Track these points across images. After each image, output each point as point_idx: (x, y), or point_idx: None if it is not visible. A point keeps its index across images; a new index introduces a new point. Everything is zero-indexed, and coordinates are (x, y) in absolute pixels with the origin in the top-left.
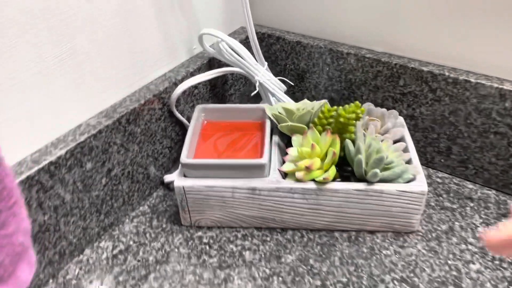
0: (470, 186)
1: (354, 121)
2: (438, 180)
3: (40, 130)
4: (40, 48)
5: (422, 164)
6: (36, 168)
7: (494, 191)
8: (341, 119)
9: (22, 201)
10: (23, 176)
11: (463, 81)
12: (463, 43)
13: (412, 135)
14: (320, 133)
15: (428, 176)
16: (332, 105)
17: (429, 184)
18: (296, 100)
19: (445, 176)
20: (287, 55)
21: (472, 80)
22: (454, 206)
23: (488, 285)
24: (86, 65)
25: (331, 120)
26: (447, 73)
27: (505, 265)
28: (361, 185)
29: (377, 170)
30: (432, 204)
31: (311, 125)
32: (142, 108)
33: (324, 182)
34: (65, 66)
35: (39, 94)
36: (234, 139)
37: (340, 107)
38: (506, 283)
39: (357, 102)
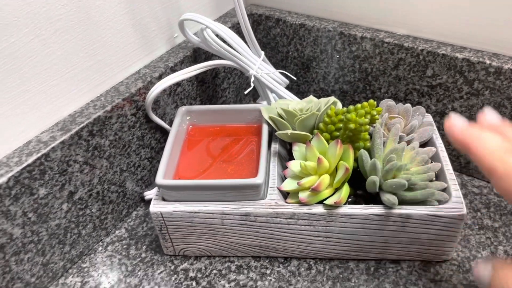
0: None
1: (368, 126)
2: (475, 190)
3: None
4: None
5: (455, 169)
6: None
7: None
8: (351, 125)
9: None
10: None
11: (508, 71)
12: (508, 23)
13: (442, 136)
14: (327, 142)
15: (463, 185)
16: (344, 99)
17: (465, 196)
18: (301, 94)
19: (483, 184)
20: (289, 40)
21: None
22: (496, 225)
23: None
24: (32, 67)
25: (339, 125)
26: (487, 61)
27: None
28: (381, 209)
29: (394, 198)
30: (469, 222)
31: (316, 131)
32: (109, 115)
33: (334, 206)
34: (2, 72)
35: None
36: (226, 147)
37: (351, 108)
38: None
39: (371, 101)
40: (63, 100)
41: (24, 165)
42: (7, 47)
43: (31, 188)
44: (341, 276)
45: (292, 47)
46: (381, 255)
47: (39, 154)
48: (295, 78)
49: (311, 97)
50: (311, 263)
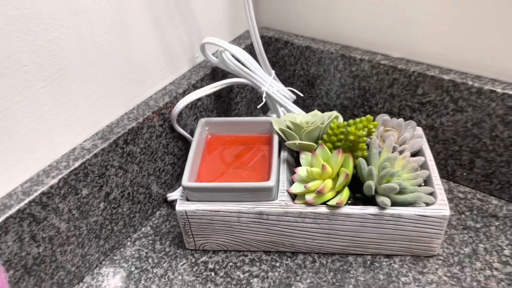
0: (495, 202)
1: (366, 138)
2: (460, 195)
3: (30, 158)
4: (26, 72)
5: (442, 177)
6: (27, 200)
7: None
8: (351, 137)
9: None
10: (13, 210)
11: (488, 91)
12: (488, 49)
13: (431, 147)
14: (330, 151)
15: (449, 191)
16: (344, 113)
17: (450, 200)
18: (306, 108)
19: (468, 190)
20: (296, 60)
21: (499, 90)
22: (478, 226)
23: None
24: (78, 85)
25: (341, 136)
26: (470, 82)
27: None
28: (376, 209)
29: (387, 200)
30: (454, 223)
31: (320, 142)
32: (141, 126)
33: (336, 206)
34: (54, 88)
35: (28, 120)
36: (240, 154)
37: (351, 122)
38: None
39: (368, 116)
40: (102, 113)
41: (71, 168)
42: (60, 69)
43: (76, 189)
44: (342, 268)
45: (299, 66)
46: (377, 250)
47: (83, 159)
48: (302, 95)
49: (316, 112)
50: (315, 257)
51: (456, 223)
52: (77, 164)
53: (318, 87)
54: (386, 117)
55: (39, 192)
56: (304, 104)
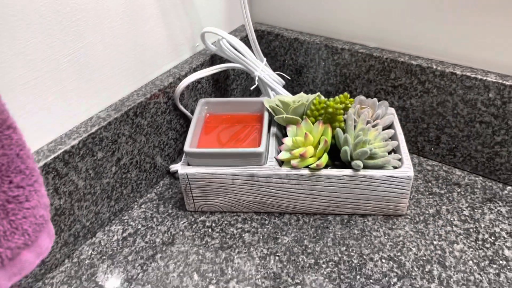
0: (458, 173)
1: (343, 111)
2: (428, 167)
3: (55, 123)
4: (53, 47)
5: (413, 153)
6: (52, 156)
7: (481, 178)
8: (330, 110)
9: (42, 180)
10: (40, 164)
11: (449, 74)
12: (449, 38)
13: (403, 126)
14: (313, 124)
15: (419, 164)
16: (328, 98)
17: (420, 172)
18: (295, 93)
19: (435, 164)
20: (286, 51)
21: (458, 72)
22: (442, 192)
23: (470, 263)
24: (96, 62)
25: (322, 111)
26: (434, 66)
27: (487, 245)
28: (351, 171)
29: (360, 162)
30: (421, 190)
31: (304, 116)
32: (148, 101)
33: (317, 168)
34: (76, 64)
35: (53, 90)
36: (235, 130)
37: (330, 98)
38: (487, 261)
39: (345, 93)
40: (115, 89)
41: (89, 132)
42: (82, 47)
43: (93, 151)
44: (322, 225)
45: (288, 57)
46: (352, 210)
47: (99, 126)
48: (289, 78)
49: (302, 94)
50: (299, 216)
51: (423, 190)
52: (94, 130)
53: (305, 75)
54: (362, 97)
55: (62, 150)
56: (293, 90)
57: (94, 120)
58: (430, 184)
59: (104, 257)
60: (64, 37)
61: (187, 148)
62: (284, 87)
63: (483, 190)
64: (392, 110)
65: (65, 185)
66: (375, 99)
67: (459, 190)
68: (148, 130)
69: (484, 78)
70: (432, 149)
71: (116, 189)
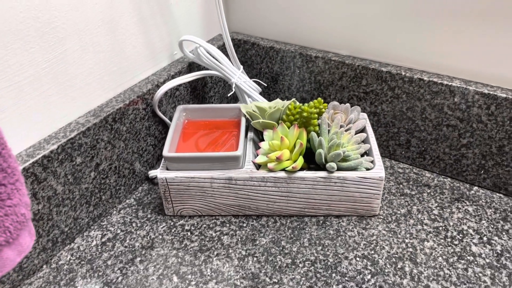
0: (428, 175)
1: (317, 116)
2: (400, 170)
3: (33, 128)
4: (33, 54)
5: (385, 156)
6: (30, 161)
7: (449, 179)
8: (305, 114)
9: (23, 180)
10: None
11: (417, 80)
12: (417, 46)
13: (375, 130)
14: (288, 128)
15: (391, 167)
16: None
17: (391, 174)
18: (271, 100)
19: (406, 166)
20: (262, 59)
21: (425, 78)
22: (413, 193)
23: (440, 259)
24: (75, 69)
25: (297, 116)
26: (403, 73)
27: (456, 242)
28: (326, 173)
29: (334, 164)
30: (393, 191)
31: (280, 121)
32: (127, 108)
33: (292, 171)
34: (55, 70)
35: (32, 96)
36: (213, 136)
37: (305, 104)
38: (455, 257)
39: (319, 98)
40: (94, 95)
41: (68, 138)
42: (61, 53)
43: (72, 156)
44: (298, 226)
45: (264, 65)
46: (328, 211)
47: (78, 131)
48: (265, 85)
49: (278, 100)
50: (276, 218)
51: (395, 191)
52: (72, 135)
53: (281, 82)
54: (336, 103)
55: (41, 155)
56: (270, 97)
57: (73, 126)
58: (401, 185)
59: (83, 262)
60: (43, 44)
61: (165, 152)
62: (260, 94)
63: (451, 191)
64: (364, 115)
65: (44, 190)
66: (348, 104)
67: (429, 191)
68: (127, 136)
69: (450, 83)
70: (403, 152)
71: (95, 195)
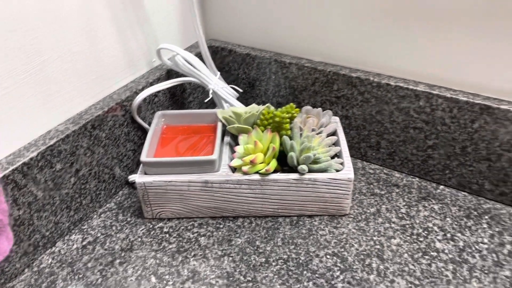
0: (397, 175)
1: (289, 120)
2: (371, 171)
3: (13, 136)
4: (12, 64)
5: (357, 158)
6: (10, 169)
7: (417, 179)
8: (277, 119)
9: (0, 187)
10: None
11: (385, 85)
12: (384, 52)
13: (347, 133)
14: (262, 132)
15: (362, 168)
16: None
17: (363, 175)
18: (248, 105)
19: (377, 167)
20: (239, 65)
21: (392, 83)
22: (382, 192)
23: (406, 256)
24: (54, 78)
25: (270, 120)
26: (372, 78)
27: (421, 239)
28: (297, 175)
29: (305, 167)
30: (364, 191)
31: (255, 126)
32: (106, 114)
33: (266, 173)
34: (34, 80)
35: (12, 105)
36: (191, 140)
37: (279, 109)
38: (420, 253)
39: (291, 104)
40: (74, 103)
41: (47, 145)
42: (40, 63)
43: (51, 162)
44: (273, 226)
45: (241, 71)
46: (300, 212)
47: (58, 138)
48: (241, 91)
49: (254, 105)
50: (252, 219)
51: (366, 191)
52: (52, 142)
53: (257, 88)
54: (308, 107)
55: (20, 162)
56: (247, 103)
57: (53, 133)
58: (372, 186)
59: (64, 265)
60: (22, 54)
61: (143, 158)
62: (238, 99)
63: (419, 190)
64: (336, 118)
65: (24, 196)
66: (319, 109)
67: (397, 190)
68: (106, 142)
69: (415, 88)
70: (374, 154)
71: (75, 200)
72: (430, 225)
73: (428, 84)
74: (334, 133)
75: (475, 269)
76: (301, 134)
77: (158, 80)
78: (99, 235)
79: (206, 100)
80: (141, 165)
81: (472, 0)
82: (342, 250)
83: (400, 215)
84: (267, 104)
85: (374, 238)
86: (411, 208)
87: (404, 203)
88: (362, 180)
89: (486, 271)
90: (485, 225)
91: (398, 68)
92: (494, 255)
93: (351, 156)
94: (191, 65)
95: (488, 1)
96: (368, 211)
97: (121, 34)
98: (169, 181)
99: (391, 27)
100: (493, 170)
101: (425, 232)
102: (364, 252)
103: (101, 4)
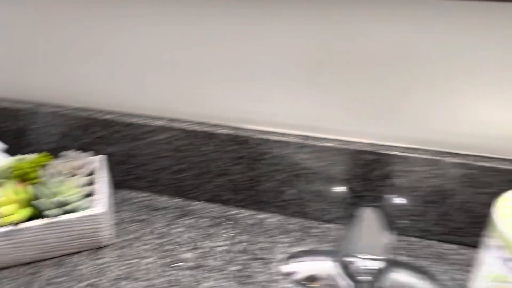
0: (162, 199)
1: (38, 168)
2: (136, 200)
3: None
4: None
5: (126, 189)
6: None
7: (178, 199)
8: (26, 170)
9: None
10: None
11: (134, 122)
12: (133, 94)
13: (113, 169)
14: (14, 184)
15: (129, 199)
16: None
17: (129, 205)
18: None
19: (144, 195)
20: (5, 119)
21: (141, 121)
22: (145, 217)
23: (159, 270)
24: None
25: (19, 171)
26: (123, 118)
27: (174, 252)
28: (50, 220)
29: (55, 211)
30: (127, 220)
31: (5, 179)
32: None
33: (17, 223)
34: None
35: None
36: None
37: (28, 159)
38: (168, 267)
39: (43, 153)
40: None
41: None
42: None
43: None
44: (38, 272)
45: (9, 123)
46: (61, 252)
47: None
48: (6, 145)
49: (19, 156)
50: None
51: (129, 219)
52: None
53: (27, 138)
54: (67, 152)
55: None
56: (22, 152)
57: None
58: (136, 213)
59: None
60: None
61: None
62: (8, 151)
63: (180, 209)
64: (96, 158)
65: None
66: (78, 151)
67: (161, 213)
68: None
69: (157, 123)
70: (139, 184)
71: None
72: (181, 240)
73: (170, 118)
74: (92, 173)
75: (214, 270)
76: (52, 180)
77: None
78: None
79: None
80: None
81: None
82: (100, 278)
83: (159, 234)
84: (18, 157)
85: (133, 261)
86: (169, 226)
87: (161, 224)
88: (127, 210)
89: (222, 269)
90: (228, 229)
91: (147, 107)
92: (230, 254)
93: (121, 188)
94: None
95: None
96: (132, 237)
97: None
98: None
99: (134, 70)
100: (230, 184)
101: (176, 245)
102: (121, 276)
103: None
